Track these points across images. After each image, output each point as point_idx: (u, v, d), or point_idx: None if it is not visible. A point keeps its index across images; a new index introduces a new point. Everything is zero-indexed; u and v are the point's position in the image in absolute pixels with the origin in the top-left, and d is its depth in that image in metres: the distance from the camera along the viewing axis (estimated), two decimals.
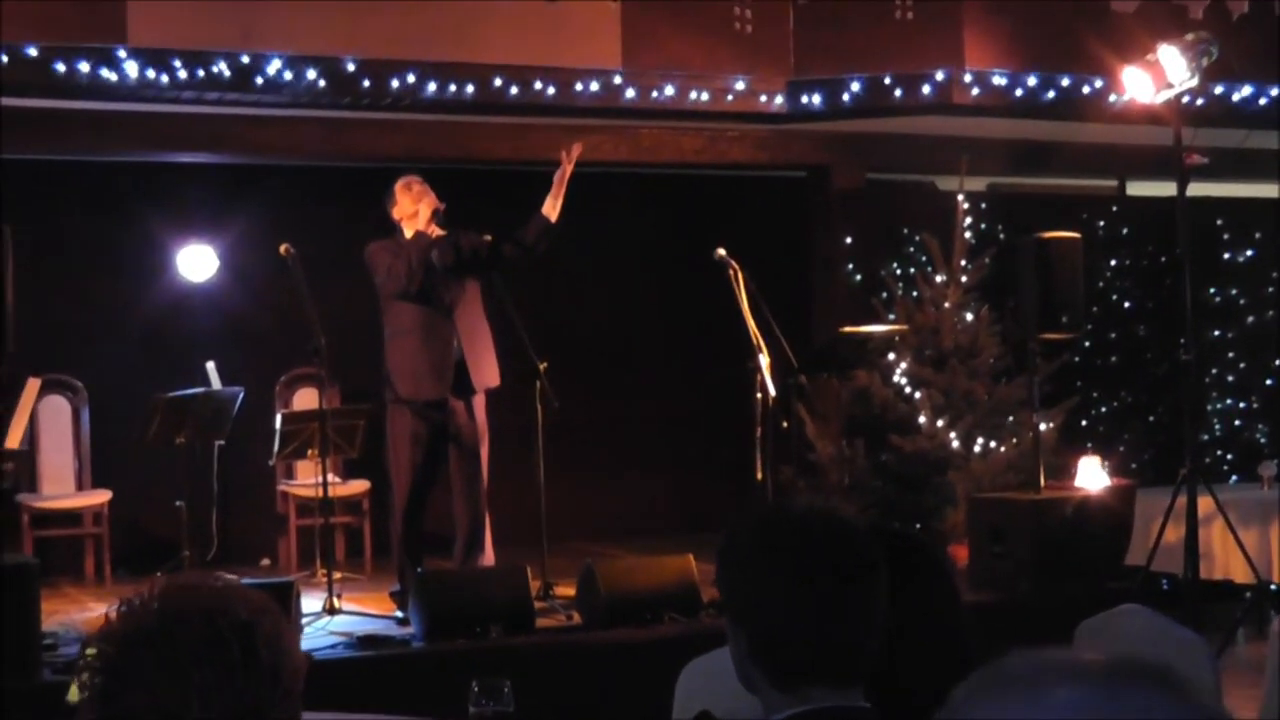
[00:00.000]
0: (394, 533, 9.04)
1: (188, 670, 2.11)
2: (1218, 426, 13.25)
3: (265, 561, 11.31)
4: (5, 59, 9.12)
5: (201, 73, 9.51)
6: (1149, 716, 1.36)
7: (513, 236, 9.11)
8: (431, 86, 9.99)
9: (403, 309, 8.88)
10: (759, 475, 9.09)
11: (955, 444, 10.65)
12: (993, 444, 10.72)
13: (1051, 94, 10.97)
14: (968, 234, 11.23)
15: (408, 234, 8.90)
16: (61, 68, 9.25)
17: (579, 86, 10.31)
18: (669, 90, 10.61)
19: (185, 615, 2.16)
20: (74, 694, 2.22)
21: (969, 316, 11.06)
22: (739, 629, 2.54)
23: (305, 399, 10.98)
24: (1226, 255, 13.49)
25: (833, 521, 2.56)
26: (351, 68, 9.82)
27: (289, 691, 2.19)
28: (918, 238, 11.70)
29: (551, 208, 9.07)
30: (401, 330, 8.92)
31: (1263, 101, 11.40)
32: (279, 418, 9.83)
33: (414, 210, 8.88)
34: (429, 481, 9.01)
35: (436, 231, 8.85)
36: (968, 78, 10.73)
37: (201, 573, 2.26)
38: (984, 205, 12.17)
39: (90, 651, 2.18)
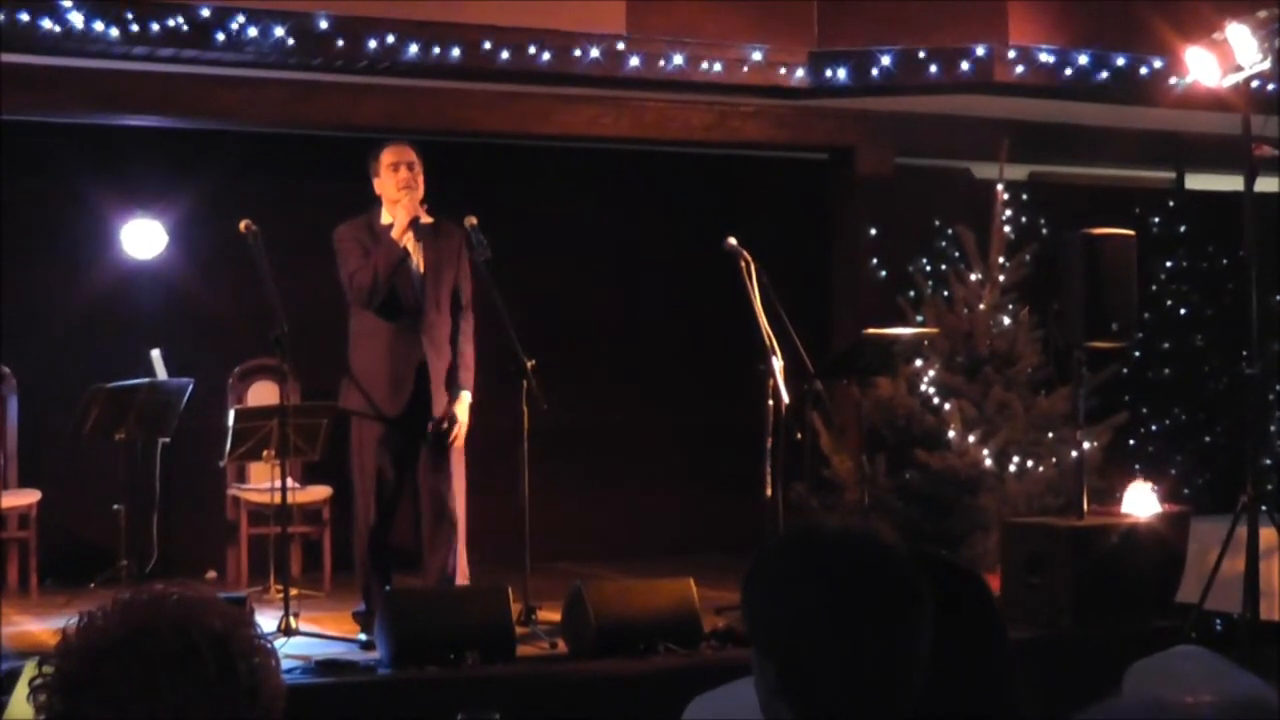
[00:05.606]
0: (357, 548, 9.02)
1: (158, 685, 2.11)
2: None
3: (211, 574, 11.28)
4: None
5: (155, 26, 9.50)
6: None
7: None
8: (413, 48, 9.99)
9: (366, 313, 8.91)
10: (768, 491, 9.10)
11: (988, 462, 10.65)
12: (1030, 463, 10.73)
13: (1104, 74, 10.98)
14: (1007, 228, 11.24)
15: (383, 219, 8.89)
16: None
17: (578, 53, 10.31)
18: (677, 59, 10.61)
19: (154, 627, 2.15)
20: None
21: (1006, 320, 11.07)
22: (767, 662, 2.54)
23: (263, 393, 10.99)
24: None
25: (874, 546, 2.57)
26: (324, 25, 9.81)
27: (269, 711, 2.18)
28: (951, 230, 11.69)
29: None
30: (364, 333, 8.95)
31: None
32: (232, 414, 9.80)
33: (394, 198, 8.83)
34: (396, 492, 9.00)
35: (411, 243, 8.84)
36: (1011, 53, 10.74)
37: (170, 582, 2.25)
38: (1025, 196, 12.19)
39: (46, 669, 2.18)
